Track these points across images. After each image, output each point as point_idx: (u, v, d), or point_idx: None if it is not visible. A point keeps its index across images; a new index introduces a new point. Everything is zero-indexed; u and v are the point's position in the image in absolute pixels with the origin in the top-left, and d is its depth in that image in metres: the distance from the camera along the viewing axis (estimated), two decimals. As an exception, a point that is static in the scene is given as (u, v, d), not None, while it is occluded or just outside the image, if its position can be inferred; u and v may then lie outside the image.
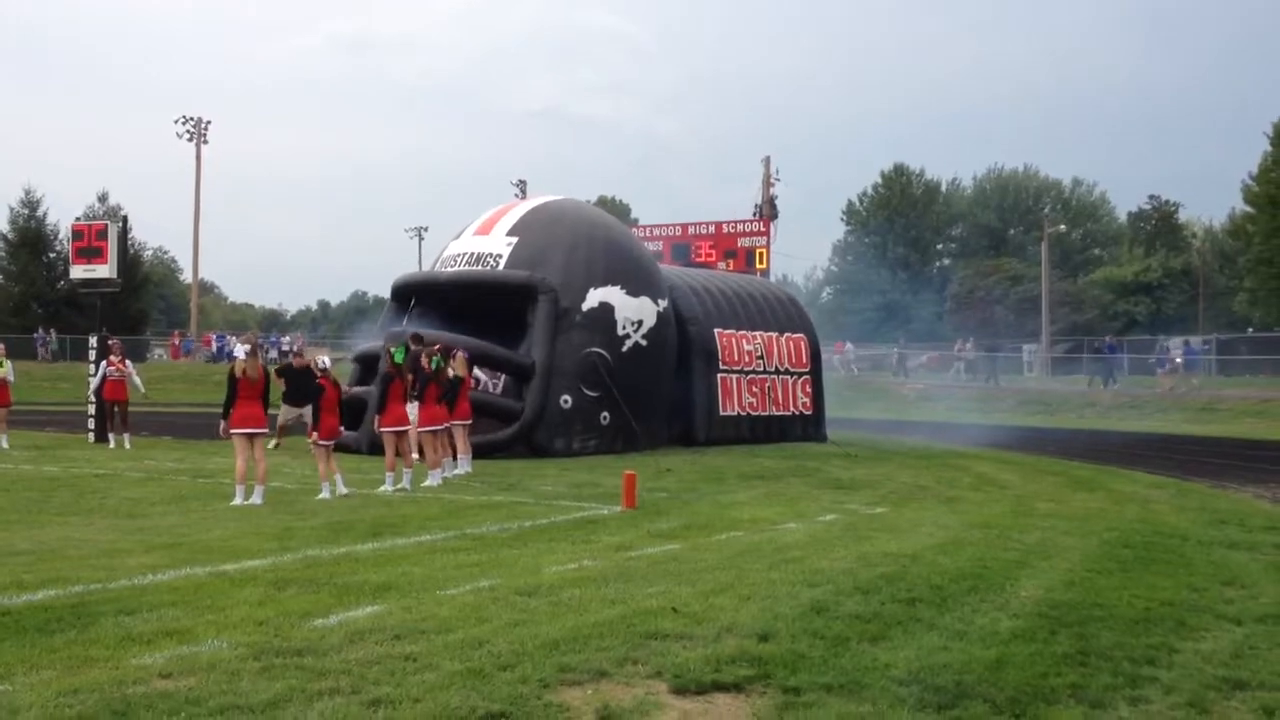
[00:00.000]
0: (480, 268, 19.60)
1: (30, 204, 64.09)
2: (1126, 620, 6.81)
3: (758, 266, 45.26)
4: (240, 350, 12.86)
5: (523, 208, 20.83)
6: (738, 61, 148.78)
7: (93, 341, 21.32)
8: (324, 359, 13.98)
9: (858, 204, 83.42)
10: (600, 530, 10.27)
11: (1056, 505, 12.82)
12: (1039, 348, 53.73)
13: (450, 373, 14.92)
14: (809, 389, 22.99)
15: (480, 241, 20.06)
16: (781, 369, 22.57)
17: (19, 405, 23.12)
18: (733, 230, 47.24)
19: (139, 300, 63.20)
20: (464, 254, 20.13)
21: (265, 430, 12.69)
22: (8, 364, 19.94)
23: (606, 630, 6.33)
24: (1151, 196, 79.44)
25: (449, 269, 20.12)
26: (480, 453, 16.71)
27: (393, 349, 14.41)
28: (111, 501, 12.23)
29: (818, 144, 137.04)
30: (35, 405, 32.30)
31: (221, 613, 6.71)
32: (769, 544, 9.56)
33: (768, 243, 46.67)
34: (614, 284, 19.45)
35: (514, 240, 19.63)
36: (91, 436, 20.87)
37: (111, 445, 19.54)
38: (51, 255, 61.96)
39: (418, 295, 20.18)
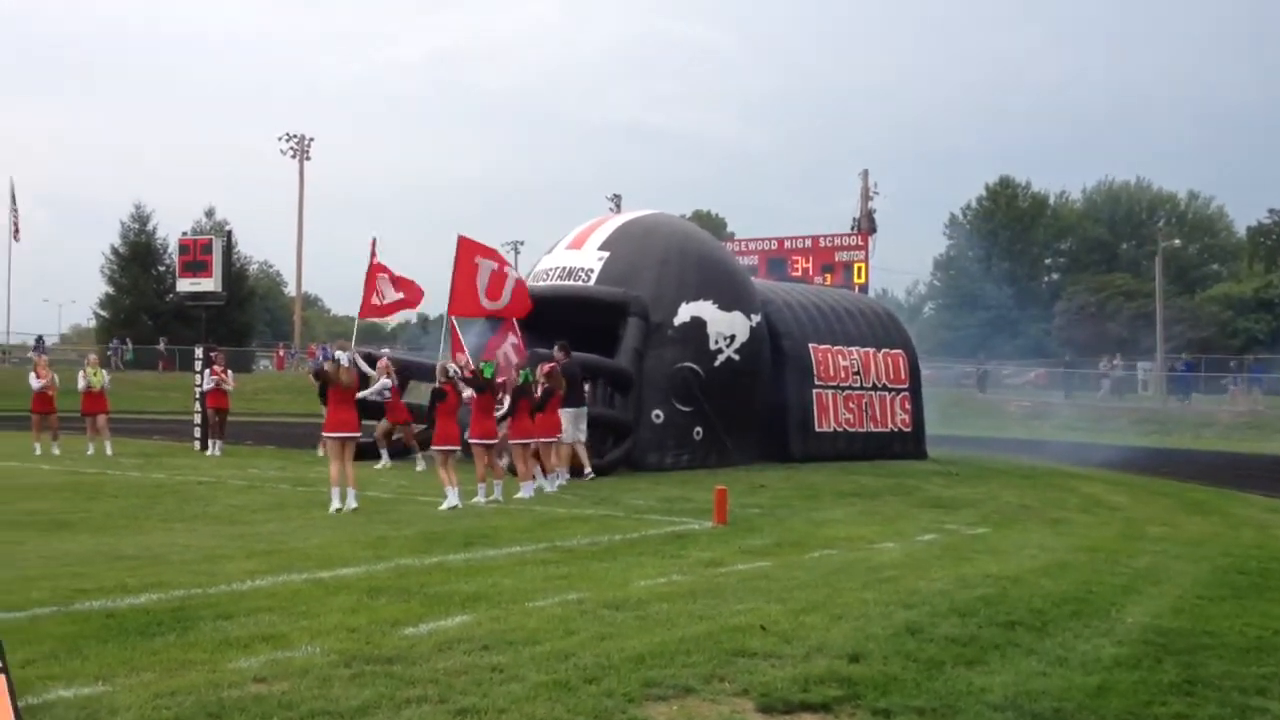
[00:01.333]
0: (572, 282, 19.67)
1: (140, 219, 66.06)
2: (1237, 649, 6.57)
3: (856, 281, 44.79)
4: (343, 356, 13.04)
5: (614, 222, 20.87)
6: (833, 71, 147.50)
7: (198, 352, 21.84)
8: (452, 366, 14.04)
9: (961, 217, 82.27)
10: (691, 545, 10.21)
11: (1168, 529, 12.47)
12: (1154, 365, 52.44)
13: (540, 386, 14.90)
14: (908, 405, 22.69)
15: (573, 256, 20.15)
16: (879, 385, 22.30)
17: (129, 414, 23.79)
18: (830, 244, 46.83)
19: (245, 313, 64.74)
20: (556, 269, 20.23)
21: (358, 435, 12.89)
22: (103, 373, 20.68)
23: (693, 646, 6.28)
24: (1272, 210, 77.11)
25: (542, 284, 20.23)
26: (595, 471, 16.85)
27: (483, 364, 14.48)
28: (215, 508, 12.49)
29: (918, 155, 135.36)
30: (144, 414, 33.16)
31: (315, 619, 6.79)
32: (863, 563, 9.42)
33: (866, 257, 46.18)
34: (706, 298, 19.39)
35: (606, 255, 19.68)
36: (197, 445, 21.38)
37: (208, 452, 20.17)
38: (160, 269, 63.66)
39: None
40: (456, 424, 13.36)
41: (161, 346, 55.80)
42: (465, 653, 6.06)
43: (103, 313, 67.60)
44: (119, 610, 6.89)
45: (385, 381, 17.14)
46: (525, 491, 14.00)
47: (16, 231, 60.00)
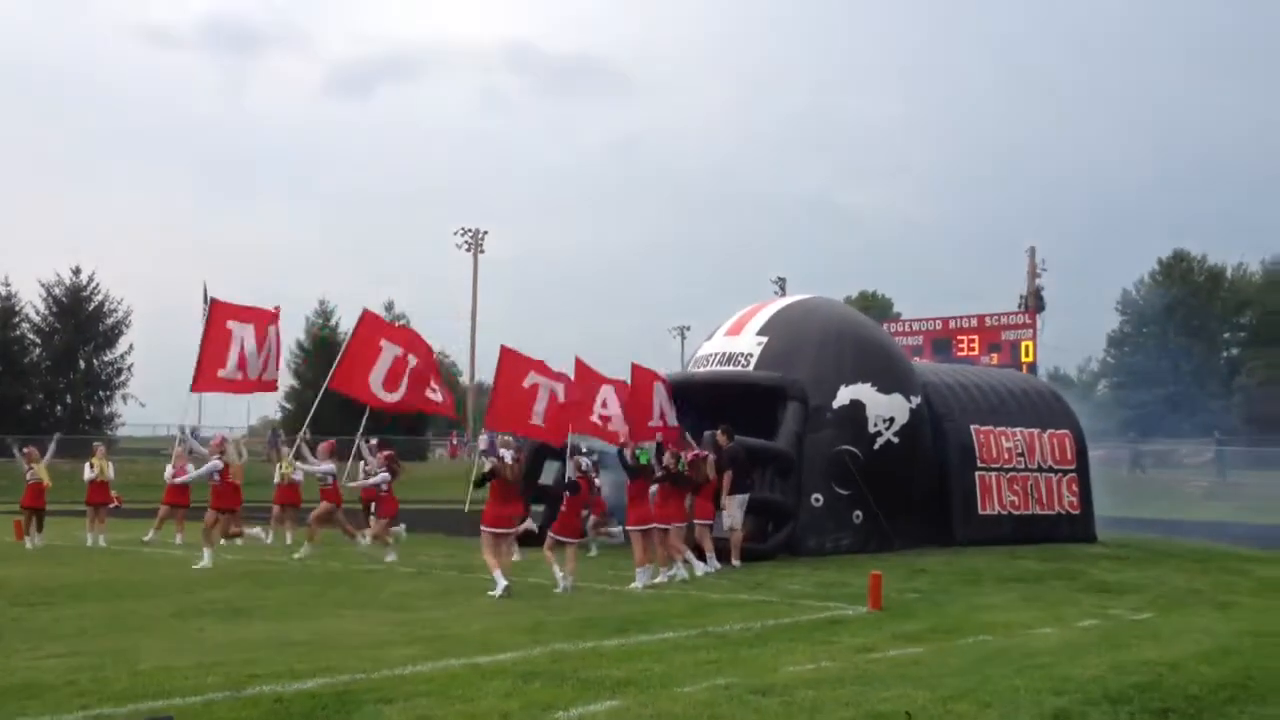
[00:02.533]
0: (731, 368, 19.90)
1: (324, 314, 69.13)
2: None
3: (1024, 360, 43.90)
4: (506, 453, 13.55)
5: (773, 308, 21.07)
6: (1008, 144, 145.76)
7: (359, 443, 22.55)
8: (586, 460, 14.53)
9: (1134, 292, 79.93)
10: (843, 631, 10.20)
11: (1348, 614, 11.88)
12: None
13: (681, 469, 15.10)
14: (1075, 486, 22.08)
15: (731, 342, 20.40)
16: (1045, 466, 21.79)
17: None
18: (996, 323, 46.09)
19: (419, 402, 66.81)
20: (716, 354, 20.50)
21: (515, 530, 13.30)
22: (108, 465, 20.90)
23: (837, 732, 6.33)
24: None
25: (702, 369, 20.49)
26: (752, 557, 16.89)
27: (639, 448, 14.75)
28: (384, 595, 12.97)
29: (1090, 230, 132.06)
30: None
31: (470, 703, 7.06)
32: (1018, 649, 9.27)
33: (1034, 335, 45.30)
34: (865, 381, 19.37)
35: (764, 340, 19.87)
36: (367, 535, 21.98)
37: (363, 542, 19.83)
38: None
39: (675, 395, 20.59)
40: (579, 517, 13.78)
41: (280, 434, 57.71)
42: (611, 737, 6.24)
43: (288, 405, 70.65)
44: (287, 695, 7.27)
45: (215, 463, 17.11)
46: (641, 579, 13.80)
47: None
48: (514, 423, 16.56)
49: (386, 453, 18.70)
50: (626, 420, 16.78)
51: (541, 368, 16.16)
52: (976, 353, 44.51)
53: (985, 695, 7.31)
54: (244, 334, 17.61)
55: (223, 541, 17.76)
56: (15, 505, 21.79)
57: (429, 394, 18.02)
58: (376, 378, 17.21)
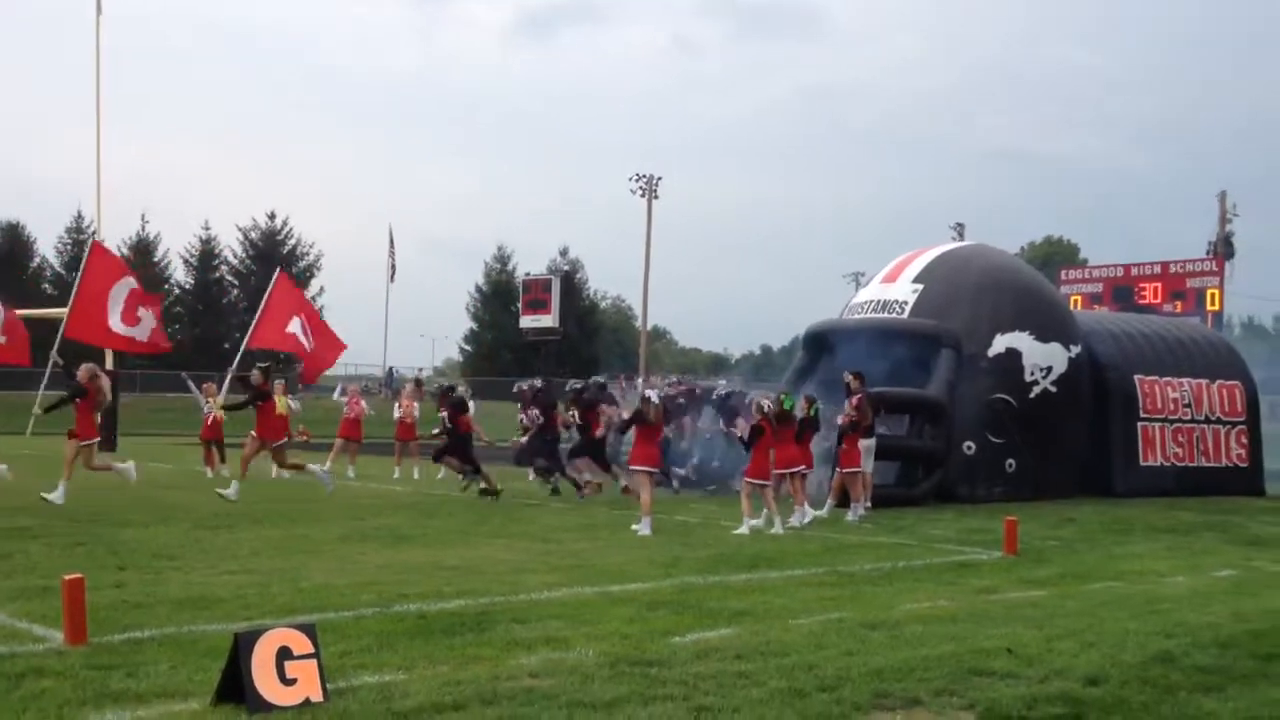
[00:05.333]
0: (886, 315, 19.94)
1: (502, 259, 71.02)
2: None
3: (1209, 308, 42.27)
4: (652, 394, 14.02)
5: (929, 254, 20.95)
6: (1204, 92, 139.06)
7: (538, 384, 23.41)
8: (766, 401, 14.44)
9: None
10: (971, 574, 10.39)
11: None
12: None
13: (848, 419, 15.23)
14: (1244, 439, 21.47)
15: (887, 289, 20.42)
16: (1212, 417, 21.23)
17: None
18: (1181, 270, 44.40)
19: (593, 345, 68.18)
20: (871, 301, 20.56)
21: (660, 469, 13.70)
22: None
23: (935, 664, 6.61)
24: None
25: (856, 316, 20.60)
26: (900, 503, 17.16)
27: (783, 395, 15.00)
28: (534, 527, 13.64)
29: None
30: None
31: (595, 626, 7.57)
32: (1142, 596, 9.33)
33: (1220, 283, 43.53)
34: (1022, 329, 19.18)
35: (920, 287, 19.83)
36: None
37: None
38: (518, 306, 68.13)
39: (827, 342, 20.79)
40: (768, 456, 13.82)
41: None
42: (719, 660, 6.64)
43: (467, 347, 72.98)
44: (431, 613, 7.91)
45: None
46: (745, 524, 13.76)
47: (393, 273, 65.87)
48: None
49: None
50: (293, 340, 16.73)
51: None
52: (1159, 300, 43.03)
53: (1092, 636, 7.47)
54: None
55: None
56: (196, 437, 23.56)
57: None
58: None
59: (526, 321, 24.02)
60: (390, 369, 62.48)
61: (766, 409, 13.92)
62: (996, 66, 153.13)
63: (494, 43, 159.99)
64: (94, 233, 33.69)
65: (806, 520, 14.44)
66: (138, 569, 9.62)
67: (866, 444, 16.15)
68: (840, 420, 15.69)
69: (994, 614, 8.29)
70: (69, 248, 65.09)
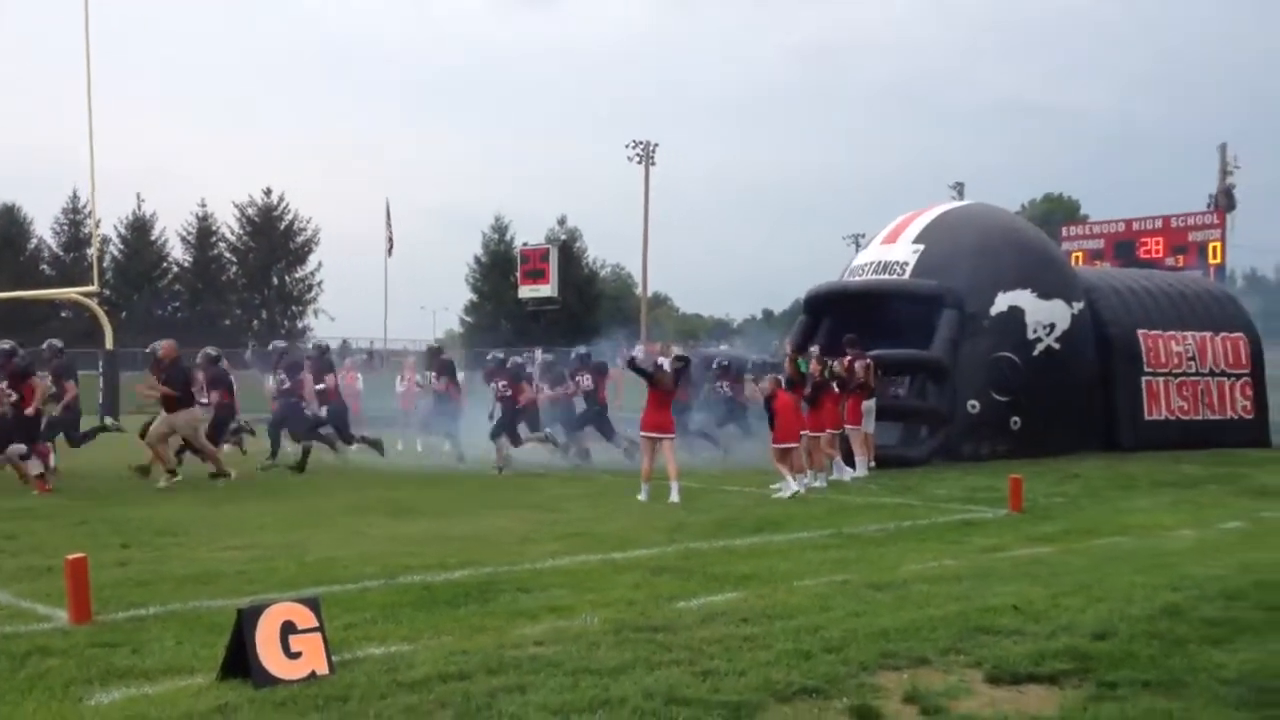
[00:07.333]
0: (887, 276, 19.87)
1: (500, 229, 70.69)
2: None
3: (1211, 262, 42.13)
4: (664, 361, 13.95)
5: (929, 215, 20.85)
6: (1208, 39, 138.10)
7: (538, 355, 23.41)
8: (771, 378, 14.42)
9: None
10: (975, 532, 10.37)
11: None
12: None
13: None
14: (1249, 391, 21.42)
15: (887, 250, 20.34)
16: (1217, 371, 21.18)
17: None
18: (1182, 224, 44.21)
19: (593, 314, 68.02)
20: (872, 263, 20.48)
21: (672, 435, 13.62)
22: None
23: (941, 623, 6.59)
24: None
25: (857, 278, 20.52)
26: (904, 463, 17.18)
27: (800, 360, 14.98)
28: (539, 497, 13.63)
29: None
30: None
31: (600, 593, 7.55)
32: (1148, 550, 9.32)
33: (1222, 236, 43.36)
34: (1024, 287, 19.11)
35: (920, 248, 19.74)
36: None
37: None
38: (516, 276, 67.93)
39: (829, 304, 20.72)
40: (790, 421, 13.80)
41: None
42: (725, 624, 6.62)
43: (468, 319, 72.78)
44: (435, 584, 7.90)
45: None
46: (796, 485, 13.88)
47: (390, 246, 65.62)
48: None
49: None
50: None
51: None
52: (1161, 254, 42.87)
53: (1099, 591, 7.45)
54: None
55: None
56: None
57: None
58: None
59: (525, 291, 23.99)
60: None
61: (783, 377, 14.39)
62: (993, 17, 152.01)
63: (488, 8, 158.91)
64: (90, 213, 33.43)
65: (846, 476, 15.29)
66: (141, 546, 9.63)
67: (867, 405, 16.15)
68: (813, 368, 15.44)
69: (1000, 571, 8.27)
70: (66, 229, 65.03)
